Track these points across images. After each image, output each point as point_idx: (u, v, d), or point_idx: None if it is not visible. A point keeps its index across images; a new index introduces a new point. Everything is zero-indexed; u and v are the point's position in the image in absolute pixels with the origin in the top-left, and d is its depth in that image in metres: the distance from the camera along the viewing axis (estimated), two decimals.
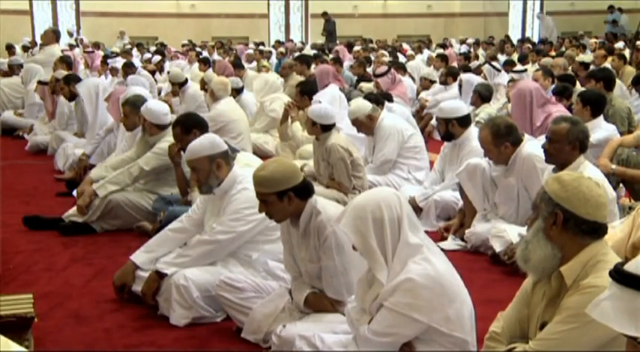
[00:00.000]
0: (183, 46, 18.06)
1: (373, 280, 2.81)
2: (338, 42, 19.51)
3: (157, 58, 13.81)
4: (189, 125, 4.92)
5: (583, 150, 4.25)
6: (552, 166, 4.34)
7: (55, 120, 8.41)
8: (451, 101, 6.16)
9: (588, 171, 4.11)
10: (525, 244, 2.49)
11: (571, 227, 2.41)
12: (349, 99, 7.29)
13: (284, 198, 3.23)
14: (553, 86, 7.71)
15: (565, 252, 2.42)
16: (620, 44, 15.44)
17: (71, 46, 17.02)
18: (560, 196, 2.43)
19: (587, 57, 12.25)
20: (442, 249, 2.92)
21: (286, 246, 3.50)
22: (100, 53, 14.70)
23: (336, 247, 3.22)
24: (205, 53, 15.73)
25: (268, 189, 3.22)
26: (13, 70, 10.93)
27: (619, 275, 1.78)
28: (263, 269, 3.79)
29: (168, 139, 5.25)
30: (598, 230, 2.43)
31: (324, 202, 3.38)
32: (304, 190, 3.28)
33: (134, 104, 5.83)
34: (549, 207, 2.44)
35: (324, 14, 20.67)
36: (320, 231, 3.25)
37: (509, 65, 10.96)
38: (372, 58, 13.66)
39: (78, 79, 7.78)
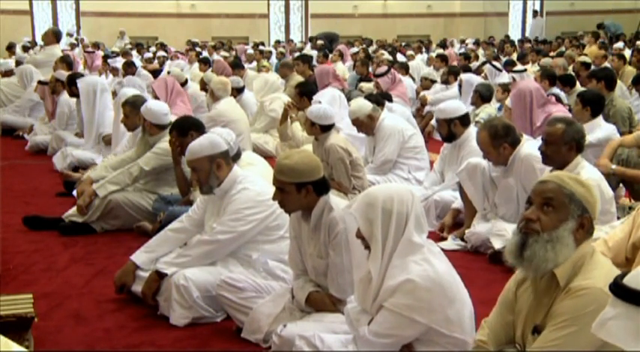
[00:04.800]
0: (188, 42, 18.06)
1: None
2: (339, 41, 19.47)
3: (160, 53, 13.86)
4: (186, 128, 4.94)
5: (580, 151, 4.23)
6: (550, 167, 4.32)
7: (55, 121, 8.41)
8: (449, 102, 6.14)
9: (586, 171, 4.12)
10: (551, 245, 2.35)
11: (587, 230, 2.41)
12: (349, 99, 7.28)
13: (302, 190, 3.24)
14: (553, 88, 7.71)
15: None
16: (620, 44, 15.44)
17: (72, 46, 17.02)
18: (589, 202, 2.40)
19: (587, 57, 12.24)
20: (442, 249, 2.92)
21: (294, 242, 3.50)
22: (100, 53, 14.71)
23: (345, 244, 3.23)
24: (205, 53, 15.73)
25: (289, 179, 3.23)
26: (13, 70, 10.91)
27: (621, 290, 1.76)
28: (263, 269, 3.79)
29: (168, 139, 5.25)
30: (593, 229, 2.44)
31: (336, 200, 3.39)
32: (322, 186, 3.29)
33: (134, 104, 5.84)
34: (579, 211, 2.38)
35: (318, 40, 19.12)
36: (331, 227, 3.26)
37: (509, 65, 10.96)
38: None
39: (80, 78, 7.77)
